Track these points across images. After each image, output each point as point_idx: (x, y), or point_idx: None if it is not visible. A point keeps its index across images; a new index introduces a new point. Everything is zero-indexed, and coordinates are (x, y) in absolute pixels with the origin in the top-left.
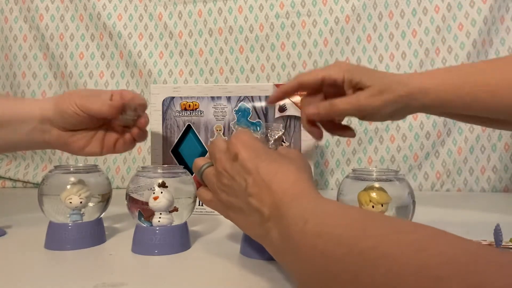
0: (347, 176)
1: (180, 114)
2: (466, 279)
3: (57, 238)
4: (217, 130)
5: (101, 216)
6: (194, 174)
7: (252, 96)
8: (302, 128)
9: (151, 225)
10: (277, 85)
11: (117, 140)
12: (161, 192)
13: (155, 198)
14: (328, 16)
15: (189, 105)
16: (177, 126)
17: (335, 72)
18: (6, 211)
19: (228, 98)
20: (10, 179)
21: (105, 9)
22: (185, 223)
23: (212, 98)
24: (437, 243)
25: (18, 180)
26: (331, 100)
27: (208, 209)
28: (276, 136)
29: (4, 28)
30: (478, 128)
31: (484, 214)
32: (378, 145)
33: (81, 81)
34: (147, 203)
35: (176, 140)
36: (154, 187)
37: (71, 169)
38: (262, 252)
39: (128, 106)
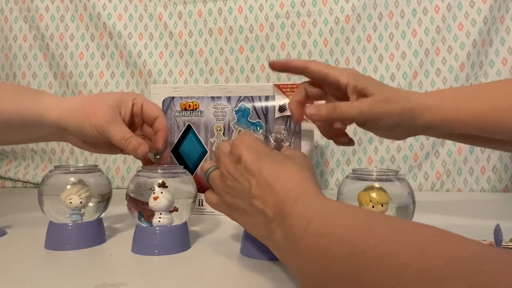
0: (347, 176)
1: (180, 114)
2: (470, 278)
3: (57, 238)
4: (217, 130)
5: (101, 216)
6: (194, 174)
7: (252, 96)
8: (302, 128)
9: (151, 225)
10: (277, 85)
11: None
12: (161, 192)
13: (155, 198)
14: (328, 16)
15: (189, 105)
16: (177, 126)
17: (341, 74)
18: (6, 211)
19: (228, 98)
20: (10, 179)
21: (105, 9)
22: (185, 223)
23: (212, 98)
24: (440, 243)
25: (18, 180)
26: (336, 103)
27: (208, 209)
28: (279, 138)
29: (4, 28)
30: None
31: (484, 214)
32: (378, 145)
33: (81, 81)
34: (147, 203)
35: (176, 140)
36: (154, 187)
37: (71, 169)
38: (262, 252)
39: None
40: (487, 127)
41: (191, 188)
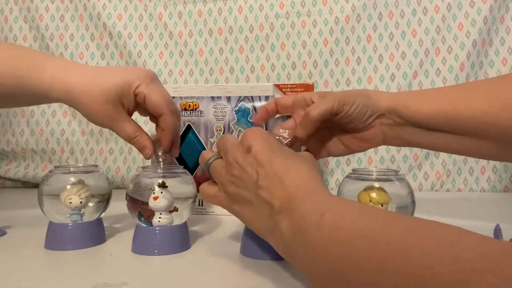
0: (347, 176)
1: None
2: (501, 271)
3: (57, 238)
4: (217, 130)
5: (101, 216)
6: (194, 174)
7: (252, 96)
8: None
9: (151, 225)
10: (277, 85)
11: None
12: (161, 192)
13: (155, 198)
14: (328, 16)
15: (189, 105)
16: None
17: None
18: (6, 211)
19: (228, 98)
20: (10, 179)
21: (105, 9)
22: (185, 223)
23: (212, 98)
24: (467, 239)
25: (18, 180)
26: (304, 112)
27: (208, 209)
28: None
29: (4, 28)
30: None
31: (484, 214)
32: None
33: None
34: (147, 203)
35: None
36: (154, 187)
37: (71, 169)
38: (262, 252)
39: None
40: (444, 116)
41: (191, 188)
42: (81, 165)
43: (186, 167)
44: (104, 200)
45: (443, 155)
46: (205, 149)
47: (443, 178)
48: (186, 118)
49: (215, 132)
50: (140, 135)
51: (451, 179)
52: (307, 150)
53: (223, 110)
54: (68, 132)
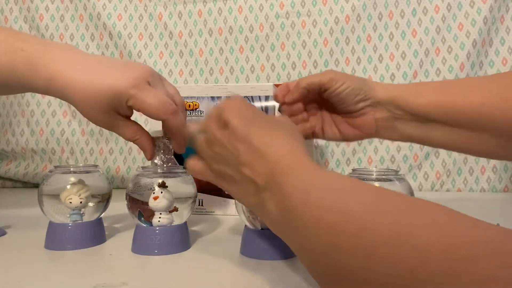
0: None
1: None
2: (500, 257)
3: (57, 238)
4: None
5: (101, 216)
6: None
7: (252, 96)
8: None
9: (151, 225)
10: (276, 85)
11: None
12: (161, 192)
13: (155, 198)
14: (328, 16)
15: (189, 105)
16: None
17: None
18: (6, 211)
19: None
20: (10, 179)
21: (105, 9)
22: (185, 223)
23: (212, 98)
24: (459, 223)
25: (18, 180)
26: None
27: (208, 209)
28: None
29: None
30: None
31: (484, 214)
32: (378, 145)
33: None
34: (147, 203)
35: None
36: (154, 187)
37: (71, 169)
38: (262, 252)
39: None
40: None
41: (191, 188)
42: (81, 165)
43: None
44: (104, 200)
45: (443, 155)
46: None
47: (443, 178)
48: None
49: None
50: (140, 138)
51: (451, 179)
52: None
53: None
54: (68, 132)
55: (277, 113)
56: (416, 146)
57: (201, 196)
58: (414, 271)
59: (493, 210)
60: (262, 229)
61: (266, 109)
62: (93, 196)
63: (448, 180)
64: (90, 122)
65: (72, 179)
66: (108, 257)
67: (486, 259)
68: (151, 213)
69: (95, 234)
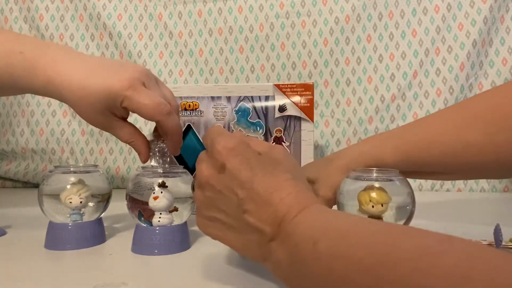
0: (347, 176)
1: (180, 114)
2: None
3: (57, 238)
4: None
5: (101, 216)
6: (194, 174)
7: (252, 96)
8: (302, 128)
9: (151, 225)
10: (277, 85)
11: None
12: (161, 192)
13: (155, 198)
14: (328, 16)
15: (189, 105)
16: None
17: None
18: (6, 211)
19: (228, 98)
20: (10, 179)
21: (105, 9)
22: (185, 223)
23: (212, 98)
24: (475, 260)
25: (18, 180)
26: None
27: None
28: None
29: (4, 28)
30: None
31: (484, 214)
32: None
33: None
34: (147, 203)
35: None
36: (154, 187)
37: (71, 169)
38: None
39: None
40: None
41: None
42: (81, 165)
43: (186, 167)
44: (104, 200)
45: None
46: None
47: None
48: (186, 118)
49: None
50: (135, 140)
51: None
52: None
53: (223, 110)
54: (68, 132)
55: (277, 113)
56: None
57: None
58: None
59: (493, 210)
60: None
61: (266, 109)
62: (93, 196)
63: (448, 180)
64: None
65: (72, 179)
66: (108, 257)
67: None
68: (151, 213)
69: (95, 234)
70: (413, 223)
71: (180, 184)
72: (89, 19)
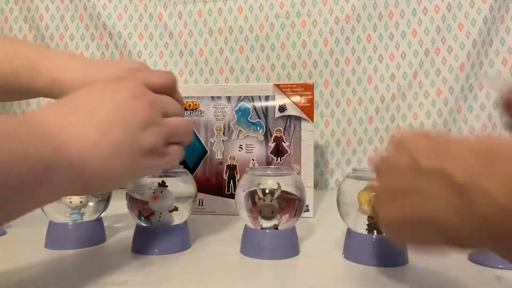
0: (347, 176)
1: None
2: None
3: (57, 237)
4: (217, 130)
5: (101, 215)
6: (194, 174)
7: (252, 96)
8: (302, 128)
9: (151, 225)
10: (277, 85)
11: None
12: (161, 192)
13: (155, 198)
14: (328, 16)
15: (189, 105)
16: None
17: None
18: None
19: (228, 98)
20: None
21: (105, 9)
22: (185, 223)
23: (212, 98)
24: None
25: None
26: None
27: (209, 208)
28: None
29: (4, 28)
30: (478, 128)
31: None
32: (378, 145)
33: None
34: (147, 203)
35: None
36: (154, 187)
37: None
38: (262, 252)
39: None
40: None
41: (191, 188)
42: None
43: (186, 166)
44: (104, 199)
45: None
46: (205, 148)
47: None
48: (186, 118)
49: (215, 132)
50: None
51: None
52: None
53: (223, 110)
54: None
55: (277, 113)
56: None
57: (201, 196)
58: None
59: None
60: (262, 228)
61: (266, 109)
62: (93, 195)
63: None
64: None
65: None
66: (108, 257)
67: None
68: (151, 213)
69: (95, 233)
70: None
71: (180, 184)
72: (89, 19)
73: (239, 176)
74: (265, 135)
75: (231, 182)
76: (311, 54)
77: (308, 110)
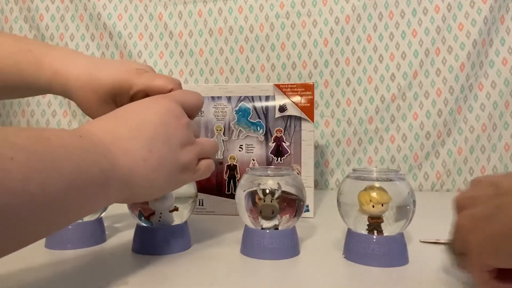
0: (347, 176)
1: None
2: None
3: (58, 237)
4: (217, 130)
5: (101, 215)
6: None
7: (252, 96)
8: (302, 128)
9: (152, 225)
10: (277, 85)
11: None
12: None
13: (156, 198)
14: (328, 16)
15: None
16: None
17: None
18: None
19: (229, 98)
20: None
21: (105, 9)
22: (185, 223)
23: (213, 98)
24: None
25: None
26: None
27: (209, 209)
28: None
29: (4, 28)
30: (478, 128)
31: None
32: (378, 145)
33: None
34: (147, 203)
35: None
36: None
37: None
38: (262, 252)
39: None
40: None
41: (191, 188)
42: None
43: None
44: None
45: (443, 155)
46: None
47: (443, 178)
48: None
49: (215, 132)
50: None
51: (451, 179)
52: None
53: (224, 110)
54: None
55: (277, 113)
56: (417, 146)
57: (201, 196)
58: None
59: None
60: (262, 228)
61: (266, 109)
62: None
63: (448, 180)
64: None
65: None
66: (109, 257)
67: None
68: (152, 213)
69: (96, 233)
70: (413, 223)
71: None
72: (89, 19)
73: (239, 176)
74: (265, 135)
75: (231, 182)
76: (311, 54)
77: (308, 110)
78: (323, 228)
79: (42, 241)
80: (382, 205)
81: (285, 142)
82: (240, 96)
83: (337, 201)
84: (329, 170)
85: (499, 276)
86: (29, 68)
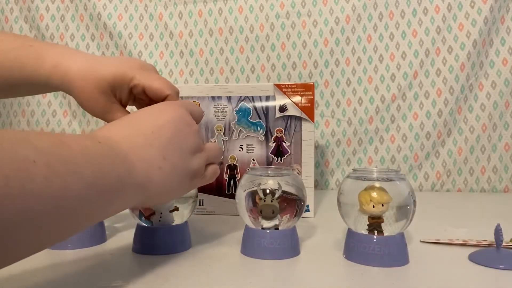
0: (347, 176)
1: None
2: None
3: None
4: (217, 130)
5: None
6: None
7: (252, 96)
8: (302, 128)
9: (152, 225)
10: (277, 85)
11: None
12: None
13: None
14: (328, 16)
15: None
16: None
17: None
18: None
19: (229, 98)
20: None
21: (106, 9)
22: (186, 223)
23: (213, 98)
24: None
25: None
26: None
27: (209, 209)
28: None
29: (5, 28)
30: (478, 128)
31: (484, 214)
32: (378, 145)
33: None
34: None
35: None
36: None
37: None
38: (262, 252)
39: None
40: None
41: None
42: None
43: None
44: None
45: (443, 155)
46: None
47: (443, 178)
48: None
49: (215, 132)
50: None
51: (452, 179)
52: None
53: (224, 110)
54: (69, 132)
55: (277, 113)
56: (417, 146)
57: (201, 196)
58: None
59: (493, 210)
60: (262, 229)
61: (266, 109)
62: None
63: (449, 180)
64: (90, 123)
65: None
66: (109, 257)
67: None
68: (152, 213)
69: (96, 233)
70: (414, 223)
71: None
72: (90, 19)
73: (239, 176)
74: (266, 135)
75: (232, 182)
76: (312, 54)
77: (309, 110)
78: (323, 228)
79: None
80: (383, 205)
81: (285, 142)
82: (241, 96)
83: (338, 201)
84: (329, 170)
85: None
86: (29, 61)
